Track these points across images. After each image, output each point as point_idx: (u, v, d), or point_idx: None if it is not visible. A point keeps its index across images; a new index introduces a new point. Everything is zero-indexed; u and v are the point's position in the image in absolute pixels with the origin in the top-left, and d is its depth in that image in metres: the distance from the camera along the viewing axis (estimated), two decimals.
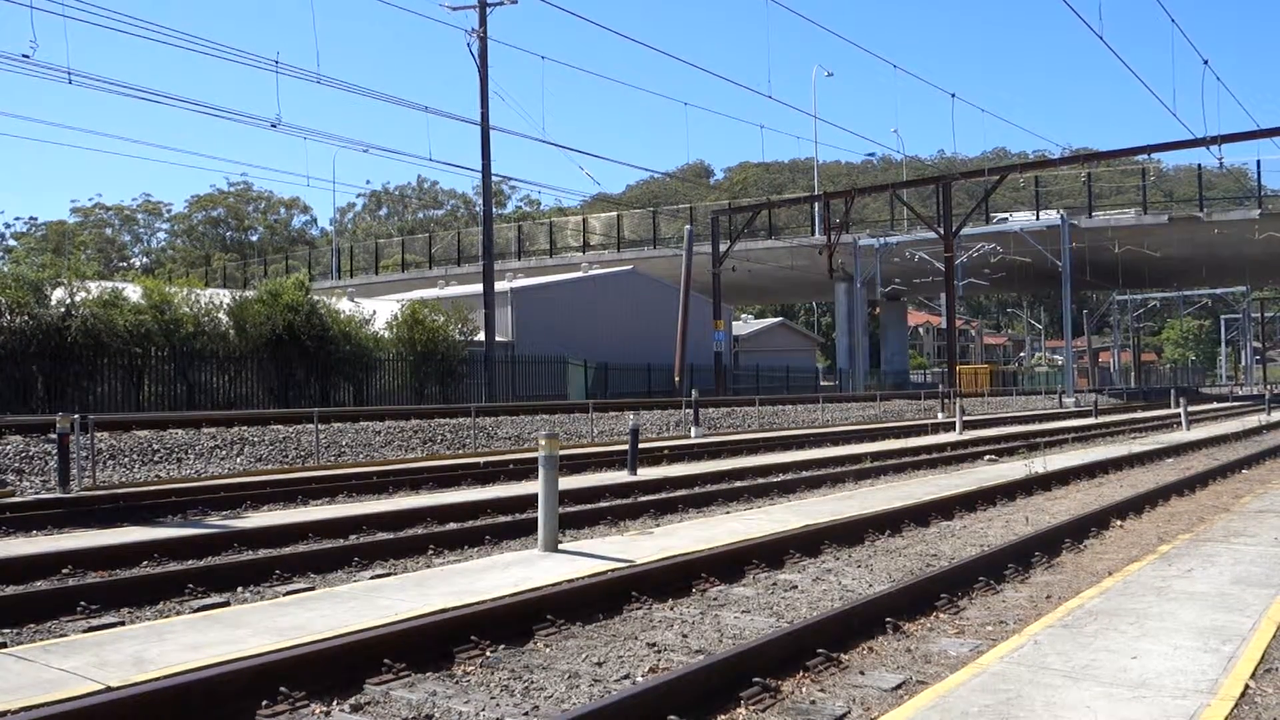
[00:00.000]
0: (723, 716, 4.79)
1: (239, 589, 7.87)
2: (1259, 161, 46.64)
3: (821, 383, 60.29)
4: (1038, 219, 48.44)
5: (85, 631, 6.34)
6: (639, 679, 5.35)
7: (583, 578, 7.47)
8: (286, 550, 9.45)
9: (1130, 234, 47.51)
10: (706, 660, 5.25)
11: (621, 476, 15.40)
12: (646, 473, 15.98)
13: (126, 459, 15.55)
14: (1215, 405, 49.28)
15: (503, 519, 11.16)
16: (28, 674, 5.06)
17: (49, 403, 20.18)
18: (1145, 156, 48.26)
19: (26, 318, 20.36)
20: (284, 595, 7.45)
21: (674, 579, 7.64)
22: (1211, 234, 46.49)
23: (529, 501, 11.06)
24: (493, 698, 5.08)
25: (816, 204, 53.71)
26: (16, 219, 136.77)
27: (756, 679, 5.11)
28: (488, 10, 28.70)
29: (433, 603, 6.63)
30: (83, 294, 21.68)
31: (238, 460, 16.63)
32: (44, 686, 4.84)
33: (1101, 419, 35.10)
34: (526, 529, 10.15)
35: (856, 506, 11.61)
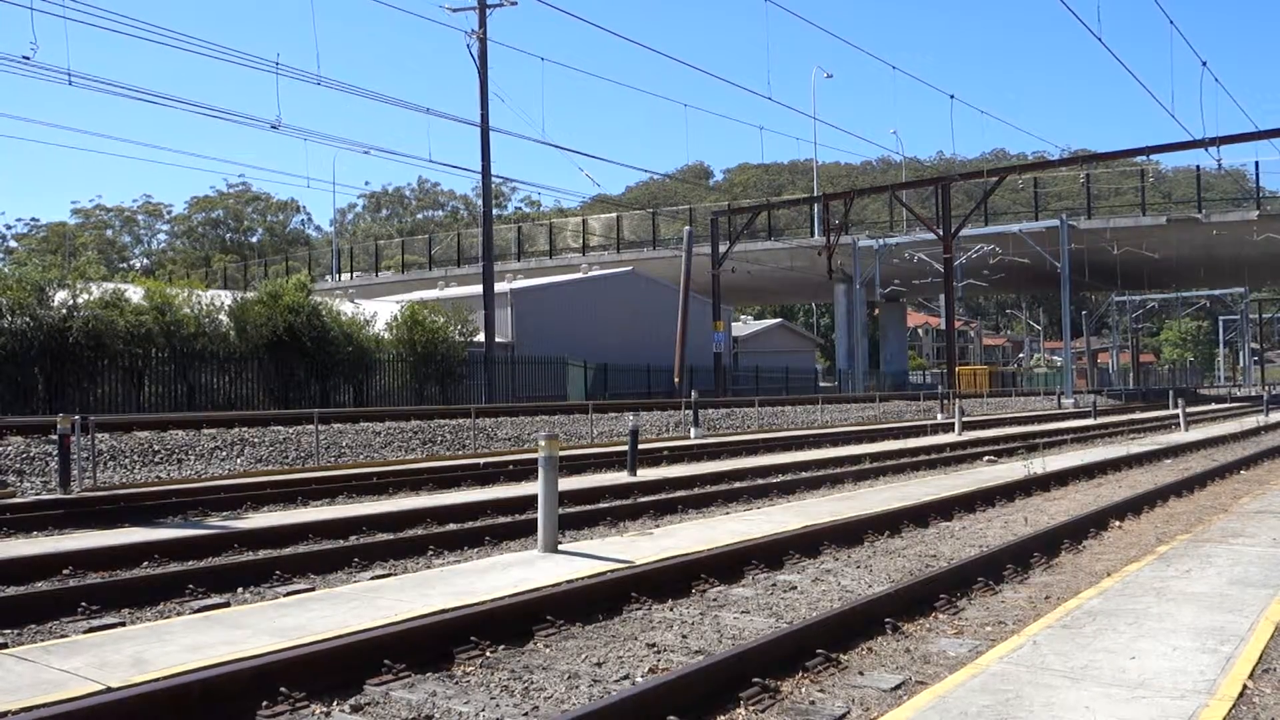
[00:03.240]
0: (722, 717, 4.80)
1: (239, 590, 7.88)
2: (1257, 163, 46.88)
3: (821, 383, 60.26)
4: (1036, 220, 48.50)
5: (86, 632, 6.34)
6: (639, 679, 5.36)
7: (582, 578, 7.47)
8: (287, 551, 9.46)
9: (1129, 235, 47.57)
10: (706, 661, 5.26)
11: (621, 477, 15.41)
12: (646, 473, 15.99)
13: (127, 460, 15.56)
14: (1213, 406, 49.30)
15: (503, 520, 11.17)
16: (28, 674, 5.07)
17: (50, 403, 20.19)
18: (1144, 158, 48.32)
19: (28, 319, 20.37)
20: (284, 596, 7.46)
21: (674, 580, 7.65)
22: (1210, 235, 46.54)
23: (529, 502, 11.08)
24: (493, 698, 5.09)
25: (816, 205, 53.84)
26: (18, 220, 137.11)
27: (756, 679, 5.12)
28: (487, 11, 28.72)
29: (433, 603, 6.64)
30: (85, 295, 21.69)
31: (238, 461, 16.64)
32: (44, 687, 4.85)
33: (1100, 420, 35.10)
34: (526, 530, 10.16)
35: (856, 507, 11.61)
